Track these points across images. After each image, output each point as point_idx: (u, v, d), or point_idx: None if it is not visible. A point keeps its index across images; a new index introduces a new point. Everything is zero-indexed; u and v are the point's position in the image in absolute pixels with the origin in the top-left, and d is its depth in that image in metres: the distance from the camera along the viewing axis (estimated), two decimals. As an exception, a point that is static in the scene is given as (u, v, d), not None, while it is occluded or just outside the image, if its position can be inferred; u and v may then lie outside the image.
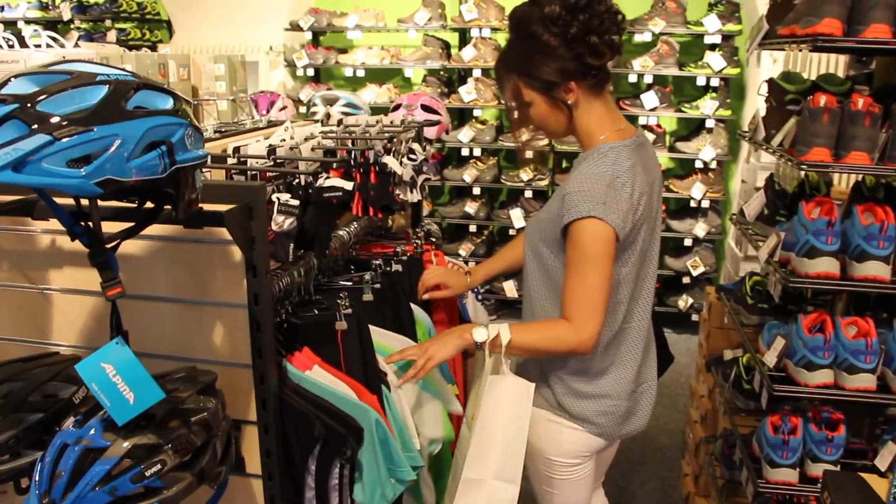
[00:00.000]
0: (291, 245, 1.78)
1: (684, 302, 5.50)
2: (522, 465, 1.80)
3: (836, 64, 3.29)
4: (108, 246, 1.12)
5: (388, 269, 2.28)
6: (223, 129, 2.67)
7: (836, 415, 2.21)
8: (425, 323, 2.28)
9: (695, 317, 5.43)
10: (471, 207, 5.79)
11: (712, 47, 5.35)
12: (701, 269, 5.45)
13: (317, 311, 1.96)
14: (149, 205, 1.22)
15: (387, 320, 2.15)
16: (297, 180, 1.86)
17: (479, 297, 2.94)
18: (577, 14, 1.66)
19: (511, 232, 5.72)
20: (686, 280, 5.52)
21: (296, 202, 1.76)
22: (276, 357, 1.66)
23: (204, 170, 1.77)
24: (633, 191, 1.71)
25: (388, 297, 2.19)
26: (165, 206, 1.16)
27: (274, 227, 1.73)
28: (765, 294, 2.52)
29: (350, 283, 2.15)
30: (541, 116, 1.81)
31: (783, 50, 2.18)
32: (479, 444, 1.80)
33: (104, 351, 1.13)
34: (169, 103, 1.10)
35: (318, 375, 1.78)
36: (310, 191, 1.90)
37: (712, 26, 5.24)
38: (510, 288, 5.85)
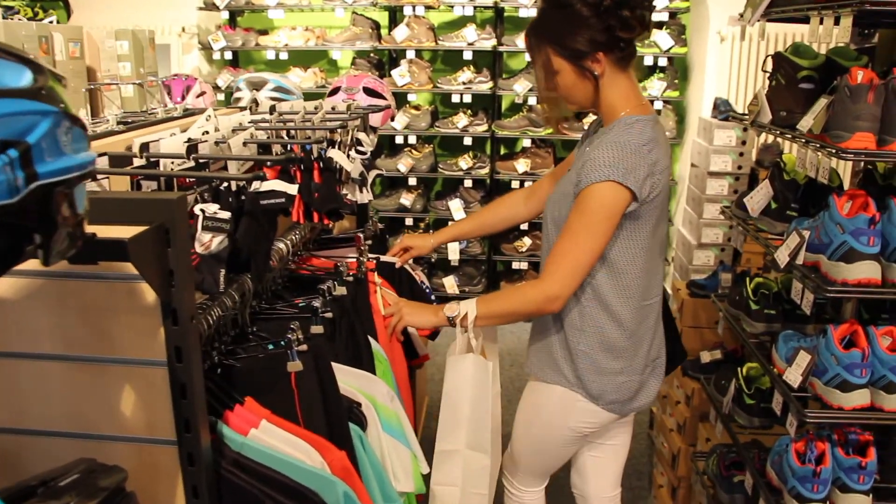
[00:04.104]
0: (222, 271, 1.36)
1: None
2: (489, 436, 1.93)
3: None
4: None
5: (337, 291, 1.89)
6: (129, 121, 2.21)
7: (864, 436, 1.92)
8: (384, 357, 1.90)
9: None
10: (406, 199, 5.39)
11: (659, 25, 5.08)
12: (652, 259, 5.20)
13: (259, 349, 1.56)
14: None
15: (340, 354, 1.75)
16: (225, 185, 1.44)
17: (429, 290, 2.60)
18: None
19: (450, 224, 5.34)
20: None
21: (226, 214, 1.34)
22: (208, 424, 1.24)
23: (100, 177, 1.33)
24: (656, 160, 1.75)
25: (341, 327, 1.79)
26: (28, 245, 0.73)
27: (198, 248, 1.31)
28: (772, 298, 2.21)
29: (295, 312, 1.74)
30: (567, 86, 1.82)
31: (802, 21, 1.87)
32: (447, 418, 1.92)
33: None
34: (24, 78, 0.67)
35: (266, 434, 1.38)
36: (243, 198, 1.48)
37: (659, 3, 4.97)
38: (451, 284, 5.50)
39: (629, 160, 1.70)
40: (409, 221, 5.50)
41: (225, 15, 5.54)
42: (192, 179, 1.37)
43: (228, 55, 5.56)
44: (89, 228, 0.98)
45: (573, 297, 1.83)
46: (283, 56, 5.39)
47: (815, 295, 1.77)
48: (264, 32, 5.48)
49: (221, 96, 5.24)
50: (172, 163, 1.40)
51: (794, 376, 1.87)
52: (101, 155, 1.30)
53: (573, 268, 1.75)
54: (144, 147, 1.34)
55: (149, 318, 1.13)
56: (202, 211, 1.31)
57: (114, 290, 1.13)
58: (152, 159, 1.35)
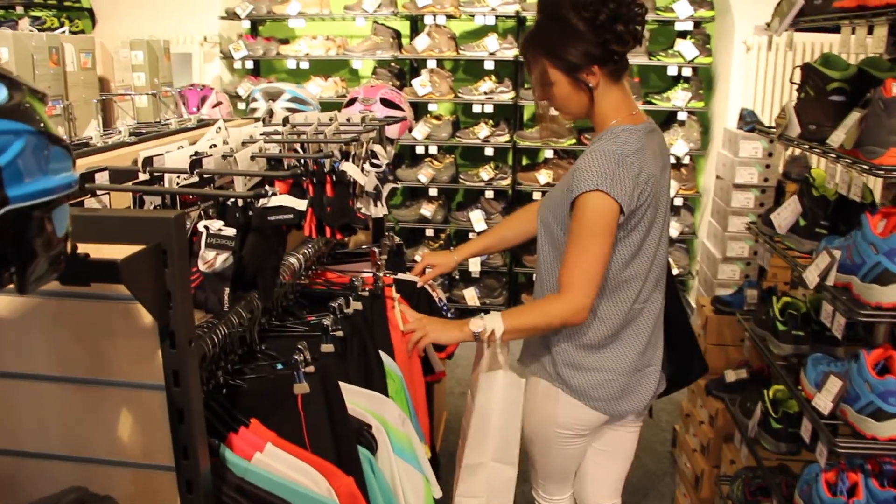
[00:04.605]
0: (227, 289, 1.31)
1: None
2: (518, 449, 1.93)
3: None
4: None
5: (350, 308, 1.84)
6: (142, 132, 2.18)
7: (898, 467, 1.83)
8: (397, 375, 1.85)
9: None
10: (427, 210, 5.35)
11: (683, 34, 5.00)
12: (675, 271, 5.11)
13: (267, 369, 1.52)
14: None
15: (351, 374, 1.70)
16: (232, 200, 1.40)
17: (446, 308, 2.54)
18: (608, 2, 1.74)
19: (471, 235, 5.29)
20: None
21: (231, 231, 1.30)
22: (208, 448, 1.20)
23: (100, 193, 1.30)
24: (640, 171, 1.77)
25: (352, 346, 1.74)
26: (4, 271, 0.68)
27: (202, 266, 1.27)
28: (800, 319, 2.13)
29: (305, 329, 1.70)
30: (562, 97, 1.86)
31: (832, 31, 1.79)
32: (476, 433, 1.91)
33: None
34: (-2, 96, 0.63)
35: (271, 459, 1.34)
36: (250, 213, 1.44)
37: (683, 12, 4.90)
38: (471, 296, 5.44)
39: (614, 171, 1.73)
40: (429, 232, 5.46)
41: (246, 24, 5.55)
42: (197, 195, 1.33)
43: (249, 64, 5.56)
44: (83, 248, 0.94)
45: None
46: (304, 65, 5.38)
47: (846, 318, 1.69)
48: (285, 42, 5.48)
49: (242, 105, 5.24)
50: (178, 177, 1.36)
51: (824, 402, 1.78)
52: (102, 169, 1.26)
53: (588, 277, 1.77)
54: (148, 161, 1.30)
55: (146, 340, 1.09)
56: (206, 228, 1.27)
57: (110, 310, 1.09)
58: (155, 174, 1.31)
